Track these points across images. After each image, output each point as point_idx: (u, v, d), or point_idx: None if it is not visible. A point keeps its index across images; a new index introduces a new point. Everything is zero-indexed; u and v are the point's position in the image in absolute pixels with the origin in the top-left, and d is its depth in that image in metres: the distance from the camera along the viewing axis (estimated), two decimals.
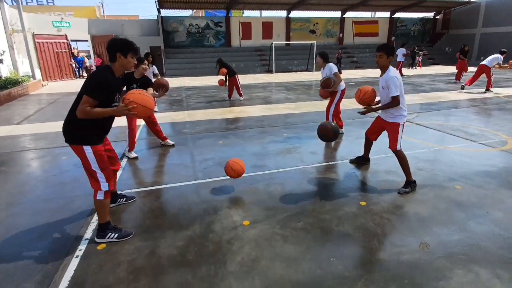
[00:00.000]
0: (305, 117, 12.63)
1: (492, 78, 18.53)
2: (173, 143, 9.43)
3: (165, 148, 9.18)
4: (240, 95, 17.55)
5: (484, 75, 18.69)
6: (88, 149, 4.56)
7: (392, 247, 4.58)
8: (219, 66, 16.74)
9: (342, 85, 9.67)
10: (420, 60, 38.65)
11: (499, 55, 18.25)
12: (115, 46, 4.54)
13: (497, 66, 18.17)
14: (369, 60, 41.06)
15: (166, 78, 9.03)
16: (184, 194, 6.30)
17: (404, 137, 6.35)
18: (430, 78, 26.59)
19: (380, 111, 6.61)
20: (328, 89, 9.42)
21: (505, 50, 18.85)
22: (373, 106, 6.59)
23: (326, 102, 10.13)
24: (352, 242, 4.72)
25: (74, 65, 33.30)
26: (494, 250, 4.49)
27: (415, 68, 37.40)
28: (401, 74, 25.36)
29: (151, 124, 9.02)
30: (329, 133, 7.24)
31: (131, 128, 8.41)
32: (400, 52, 27.69)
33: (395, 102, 6.11)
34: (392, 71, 6.16)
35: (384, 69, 6.25)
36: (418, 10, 48.05)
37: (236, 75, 17.03)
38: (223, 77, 17.25)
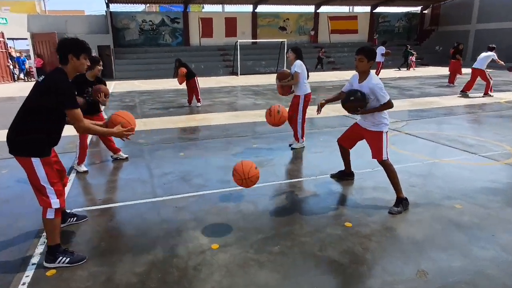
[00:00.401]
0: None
1: (491, 81, 18.62)
2: (126, 156, 9.35)
3: (118, 162, 9.13)
4: (198, 100, 17.45)
5: (480, 78, 18.90)
6: (36, 162, 4.49)
7: (384, 275, 4.49)
8: (178, 66, 16.72)
9: (306, 88, 9.58)
10: (414, 60, 38.78)
11: (490, 53, 18.58)
12: (65, 47, 4.56)
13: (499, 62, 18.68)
14: (348, 61, 40.41)
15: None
16: (142, 213, 6.27)
17: (392, 148, 6.37)
18: (419, 81, 26.93)
19: (358, 117, 6.67)
20: (284, 80, 9.41)
21: (494, 45, 19.21)
22: (366, 110, 6.39)
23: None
24: (338, 269, 4.66)
25: (11, 67, 32.73)
26: (502, 278, 4.38)
27: (407, 70, 37.55)
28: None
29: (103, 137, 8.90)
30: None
31: (83, 138, 8.32)
32: (379, 51, 26.80)
33: (389, 105, 6.17)
34: (374, 77, 6.23)
35: (364, 75, 6.30)
36: (402, 4, 48.37)
37: (195, 77, 17.01)
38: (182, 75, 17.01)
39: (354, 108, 6.28)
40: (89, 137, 9.54)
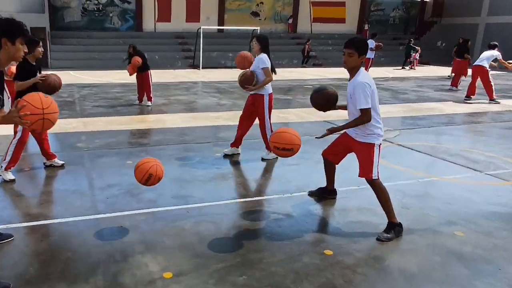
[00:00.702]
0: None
1: (493, 85, 18.83)
2: (62, 162, 9.20)
3: (53, 169, 9.02)
4: (150, 98, 17.37)
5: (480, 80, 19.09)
6: None
7: None
8: (132, 53, 16.72)
9: (269, 87, 9.60)
10: (417, 58, 38.86)
11: (493, 51, 18.84)
12: None
13: (496, 64, 18.82)
14: (333, 55, 40.49)
15: (52, 72, 8.80)
16: (80, 233, 6.23)
17: (383, 163, 6.33)
18: (416, 83, 27.17)
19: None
20: (248, 87, 9.39)
21: (496, 43, 19.44)
22: (336, 127, 6.45)
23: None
24: None
25: None
26: None
27: (407, 69, 37.73)
28: None
29: (38, 134, 8.72)
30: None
31: (23, 140, 8.18)
32: (369, 45, 26.20)
33: (364, 117, 5.98)
34: (362, 74, 6.11)
35: (353, 72, 6.15)
36: None
37: (149, 71, 17.04)
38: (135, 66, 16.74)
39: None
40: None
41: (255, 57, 9.59)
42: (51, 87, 8.05)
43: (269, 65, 9.33)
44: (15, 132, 8.14)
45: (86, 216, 6.77)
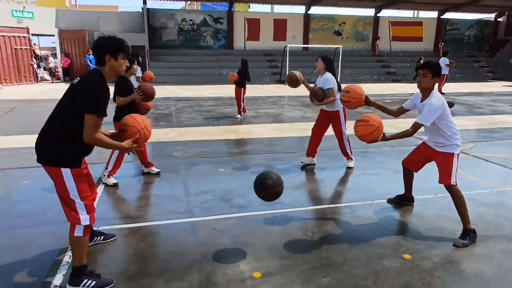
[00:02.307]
0: (329, 142, 11.33)
1: None
2: (158, 170, 9.38)
3: (151, 176, 9.20)
4: (241, 112, 17.69)
5: None
6: (67, 172, 4.49)
7: None
8: (241, 67, 17.13)
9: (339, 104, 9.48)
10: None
11: None
12: (102, 47, 4.61)
13: None
14: (410, 72, 39.42)
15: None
16: (177, 234, 6.32)
17: (458, 172, 6.27)
18: (490, 97, 26.55)
19: (426, 137, 6.64)
20: (316, 101, 9.39)
21: None
22: (386, 136, 6.39)
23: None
24: None
25: (35, 66, 33.33)
26: None
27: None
28: (441, 92, 24.79)
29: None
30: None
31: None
32: (443, 62, 26.30)
33: (413, 130, 6.20)
34: (435, 96, 6.15)
35: (426, 93, 6.25)
36: (474, 10, 47.82)
37: (242, 88, 17.29)
38: (235, 74, 17.16)
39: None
40: None
41: (320, 75, 9.63)
42: (147, 94, 8.24)
43: (334, 85, 9.35)
44: None
45: (182, 219, 6.87)
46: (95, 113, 4.35)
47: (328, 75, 9.42)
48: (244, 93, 17.40)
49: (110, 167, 8.44)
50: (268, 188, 5.72)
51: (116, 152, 8.39)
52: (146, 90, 8.32)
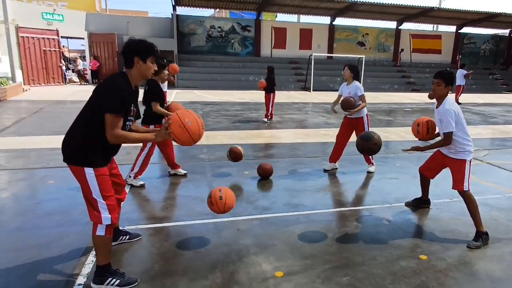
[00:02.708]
0: (350, 148, 11.38)
1: None
2: (185, 172, 9.39)
3: (177, 178, 9.23)
4: (268, 116, 17.83)
5: None
6: (90, 172, 4.49)
7: None
8: (267, 74, 17.37)
9: (365, 110, 9.71)
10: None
11: None
12: (132, 49, 4.61)
13: None
14: (429, 82, 39.98)
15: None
16: (201, 235, 6.33)
17: (472, 178, 6.36)
18: (504, 108, 26.71)
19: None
20: (350, 110, 9.42)
21: None
22: (421, 146, 6.68)
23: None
24: None
25: (64, 68, 33.66)
26: None
27: None
28: (457, 102, 24.92)
29: (164, 145, 8.98)
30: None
31: (150, 153, 8.52)
32: (460, 73, 27.28)
33: (447, 139, 6.30)
34: (449, 102, 6.33)
35: (440, 100, 6.46)
36: (490, 26, 48.56)
37: (271, 93, 17.48)
38: (264, 81, 17.50)
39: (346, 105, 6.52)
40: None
41: (346, 83, 9.76)
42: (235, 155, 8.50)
43: (363, 92, 9.50)
44: (144, 146, 8.44)
45: (206, 219, 6.86)
46: (115, 112, 4.34)
47: (357, 82, 9.56)
48: (273, 99, 17.57)
49: (136, 169, 8.44)
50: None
51: (143, 154, 8.43)
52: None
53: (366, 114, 9.69)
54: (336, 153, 10.12)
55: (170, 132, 4.52)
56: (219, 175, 9.44)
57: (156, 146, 8.69)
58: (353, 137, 9.46)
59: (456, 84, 26.93)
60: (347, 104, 9.38)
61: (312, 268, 5.38)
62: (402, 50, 46.12)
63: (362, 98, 9.42)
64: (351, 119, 9.72)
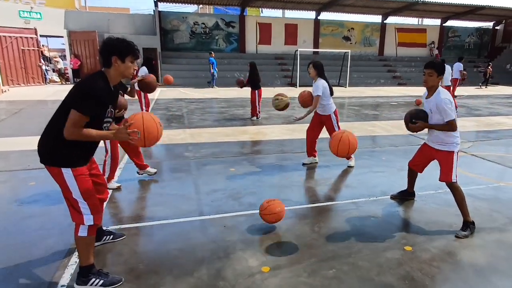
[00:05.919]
0: None
1: None
2: (155, 170, 9.17)
3: (161, 176, 9.19)
4: (256, 114, 17.70)
5: None
6: (68, 173, 4.45)
7: None
8: (250, 71, 17.43)
9: (332, 106, 9.84)
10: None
11: None
12: (110, 48, 4.52)
13: None
14: (415, 76, 41.81)
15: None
16: (186, 232, 6.33)
17: (458, 170, 6.45)
18: (488, 100, 27.12)
19: (426, 138, 6.91)
20: (308, 108, 9.77)
21: None
22: (427, 124, 6.62)
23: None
24: None
25: (44, 67, 33.39)
26: None
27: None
28: (453, 96, 24.87)
29: (132, 149, 8.73)
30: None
31: (115, 156, 8.23)
32: (457, 67, 26.23)
33: (452, 127, 6.33)
34: (443, 92, 6.40)
35: (432, 90, 6.52)
36: (474, 19, 49.39)
37: (257, 90, 17.37)
38: (243, 79, 17.61)
39: (417, 129, 6.44)
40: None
41: (313, 81, 9.83)
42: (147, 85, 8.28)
43: (321, 92, 9.52)
44: (106, 150, 8.14)
45: (192, 217, 6.88)
46: (80, 109, 4.24)
47: (319, 81, 9.60)
48: (259, 95, 17.43)
49: (106, 174, 8.08)
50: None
51: (108, 162, 8.17)
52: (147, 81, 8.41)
53: (335, 111, 9.80)
54: (310, 147, 10.30)
55: (130, 133, 4.46)
56: (204, 173, 9.42)
57: (119, 146, 8.44)
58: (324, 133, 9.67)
59: (453, 77, 25.49)
60: (300, 100, 9.82)
61: (298, 262, 5.43)
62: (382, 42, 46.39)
63: (315, 99, 9.55)
64: (320, 115, 9.92)
